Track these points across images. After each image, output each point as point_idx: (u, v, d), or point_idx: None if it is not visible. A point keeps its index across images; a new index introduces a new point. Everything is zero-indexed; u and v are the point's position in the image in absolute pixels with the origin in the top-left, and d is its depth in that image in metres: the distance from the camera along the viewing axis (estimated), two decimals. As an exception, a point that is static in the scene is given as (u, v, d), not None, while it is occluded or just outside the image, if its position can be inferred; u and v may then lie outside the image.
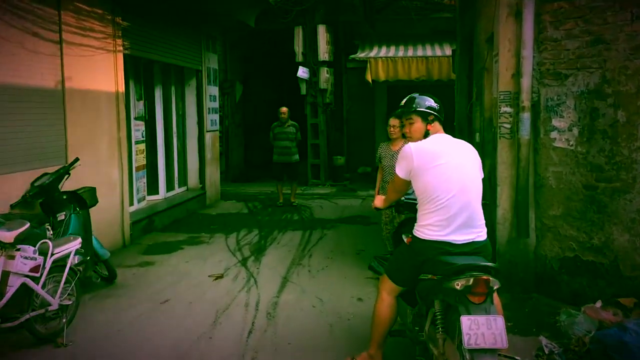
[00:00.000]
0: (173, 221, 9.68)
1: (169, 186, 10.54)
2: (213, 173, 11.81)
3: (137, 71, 9.12)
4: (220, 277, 6.49)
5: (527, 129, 5.32)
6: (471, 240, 3.55)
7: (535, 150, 5.41)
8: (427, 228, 3.58)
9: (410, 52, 13.90)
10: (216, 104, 12.06)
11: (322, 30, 13.84)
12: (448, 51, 13.64)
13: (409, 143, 3.75)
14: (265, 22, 14.20)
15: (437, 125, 3.83)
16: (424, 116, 3.81)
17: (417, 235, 3.64)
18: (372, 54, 14.00)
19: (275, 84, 19.40)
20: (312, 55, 14.12)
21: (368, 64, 13.64)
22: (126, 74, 8.49)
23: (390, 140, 6.50)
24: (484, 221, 3.65)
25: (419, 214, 3.68)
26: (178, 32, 9.97)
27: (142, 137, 9.33)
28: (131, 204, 8.69)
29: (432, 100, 3.86)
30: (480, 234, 3.60)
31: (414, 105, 3.85)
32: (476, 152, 3.82)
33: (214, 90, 11.86)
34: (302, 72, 14.10)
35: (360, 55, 14.03)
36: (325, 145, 14.67)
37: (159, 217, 9.26)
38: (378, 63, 13.63)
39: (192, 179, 11.28)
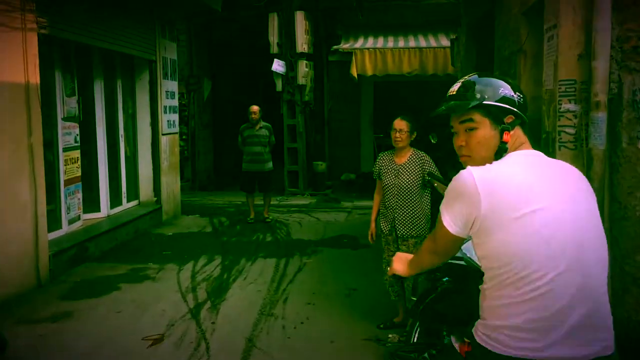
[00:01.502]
0: (116, 246, 7.82)
1: (115, 201, 8.66)
2: (171, 183, 9.95)
3: (67, 59, 7.24)
4: (159, 340, 4.66)
5: (602, 135, 3.60)
6: (593, 358, 1.81)
7: (613, 166, 3.70)
8: (508, 333, 1.82)
9: (401, 43, 12.17)
10: (175, 102, 10.20)
11: (300, 18, 12.05)
12: (444, 42, 11.94)
13: (469, 167, 1.96)
14: (236, 7, 12.41)
15: (519, 132, 2.05)
16: (497, 116, 2.02)
17: (486, 346, 1.88)
18: (358, 45, 12.24)
19: (249, 79, 17.56)
20: (289, 47, 12.33)
21: (353, 57, 11.88)
22: (48, 61, 6.62)
23: (394, 150, 4.76)
24: (612, 316, 1.91)
25: (487, 300, 1.93)
26: (123, 13, 8.10)
27: (76, 142, 7.45)
28: (56, 227, 6.82)
29: (509, 87, 2.05)
30: (606, 342, 1.86)
31: (475, 96, 2.01)
32: (588, 182, 2.07)
33: (172, 85, 10.00)
34: (278, 66, 12.30)
35: (344, 46, 12.26)
36: (304, 149, 12.89)
37: (97, 242, 7.39)
38: (364, 55, 11.87)
39: (145, 191, 9.41)
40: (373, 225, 4.90)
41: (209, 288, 6.06)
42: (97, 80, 8.17)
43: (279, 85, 12.53)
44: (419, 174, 4.58)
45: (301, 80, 12.29)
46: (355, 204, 11.59)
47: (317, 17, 13.11)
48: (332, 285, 6.13)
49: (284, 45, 12.35)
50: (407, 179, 4.59)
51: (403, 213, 4.62)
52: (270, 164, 9.53)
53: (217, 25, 14.32)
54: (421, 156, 4.64)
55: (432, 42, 12.08)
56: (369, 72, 11.94)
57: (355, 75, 11.81)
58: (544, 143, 4.17)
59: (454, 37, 9.96)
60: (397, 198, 4.62)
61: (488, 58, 7.35)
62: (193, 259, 7.24)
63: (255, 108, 9.40)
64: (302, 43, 12.16)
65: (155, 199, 9.48)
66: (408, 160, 4.64)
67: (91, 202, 8.11)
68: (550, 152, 3.93)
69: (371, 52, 11.87)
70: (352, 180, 13.34)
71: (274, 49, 12.34)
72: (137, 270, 6.77)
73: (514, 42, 5.08)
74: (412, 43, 12.14)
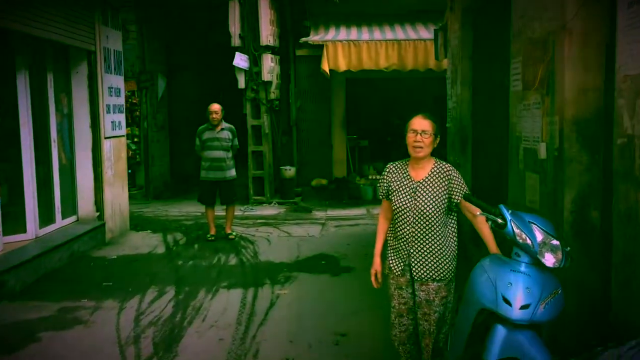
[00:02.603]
0: (45, 276, 6.40)
1: (46, 218, 7.22)
2: (117, 195, 8.53)
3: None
4: None
5: None
6: None
7: None
8: None
9: (377, 35, 11.00)
10: (121, 100, 8.77)
11: (264, 6, 10.75)
12: (425, 34, 10.84)
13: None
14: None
15: None
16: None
17: None
18: (329, 36, 11.02)
19: (210, 76, 16.16)
20: (253, 39, 11.01)
21: (324, 50, 10.65)
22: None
23: (407, 160, 3.52)
24: None
25: None
26: (52, -9, 6.69)
27: (-10, 148, 6.02)
28: (-41, 259, 5.38)
29: None
30: None
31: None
32: None
33: (117, 80, 8.57)
34: (240, 60, 10.98)
35: (314, 38, 11.03)
36: (271, 152, 11.60)
37: (18, 274, 5.96)
38: (337, 48, 10.66)
39: (85, 205, 7.97)
40: (377, 261, 3.56)
41: (156, 337, 4.72)
42: (21, 72, 6.72)
43: (241, 82, 11.21)
44: (444, 194, 3.37)
45: (266, 77, 10.99)
46: (329, 214, 10.37)
47: (284, 5, 11.85)
48: (314, 330, 4.86)
49: (246, 37, 11.03)
50: (429, 201, 3.36)
51: (422, 247, 3.38)
52: (233, 172, 8.22)
53: (173, 15, 12.91)
54: (446, 169, 3.42)
55: (412, 34, 10.96)
56: (342, 67, 10.75)
57: (327, 71, 10.60)
58: (619, 151, 3.00)
59: (439, 26, 8.83)
60: (414, 226, 3.37)
61: (491, 46, 6.23)
62: (139, 291, 5.88)
63: (215, 107, 8.07)
64: (267, 35, 10.87)
65: (98, 214, 8.05)
66: (430, 175, 3.42)
67: (14, 221, 6.66)
68: (630, 164, 2.77)
69: (344, 45, 10.67)
70: (324, 186, 12.12)
71: (235, 42, 11.01)
72: (67, 310, 5.38)
73: (552, 19, 3.92)
74: (389, 35, 11.00)
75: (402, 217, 3.38)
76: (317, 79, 11.98)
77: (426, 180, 3.37)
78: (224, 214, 8.43)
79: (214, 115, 8.00)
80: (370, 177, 12.15)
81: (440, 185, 3.35)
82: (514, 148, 4.86)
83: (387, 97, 15.35)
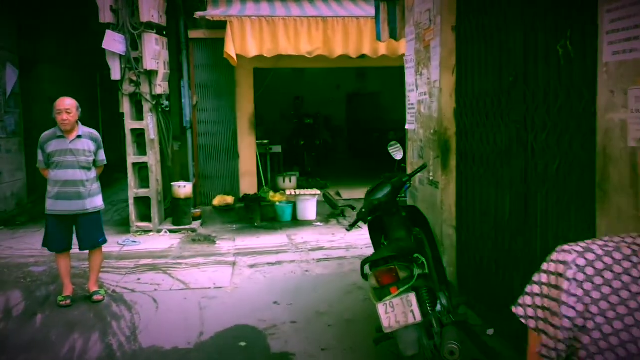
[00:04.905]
0: None
1: None
2: None
3: None
4: None
5: None
6: None
7: None
8: None
9: (295, 11, 8.56)
10: None
11: (145, -32, 8.00)
12: (356, 10, 8.55)
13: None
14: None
15: None
16: None
17: None
18: (234, 11, 8.45)
19: (81, 66, 13.02)
20: (131, 13, 8.22)
21: (228, 28, 8.08)
22: None
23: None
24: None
25: None
26: None
27: None
28: None
29: None
30: None
31: None
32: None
33: None
34: (113, 41, 8.15)
35: (214, 12, 8.40)
36: (159, 164, 8.82)
37: None
38: (245, 26, 8.13)
39: None
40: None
41: None
42: None
43: (115, 72, 8.37)
44: None
45: (150, 64, 8.23)
46: (239, 246, 7.82)
47: (171, -29, 9.11)
48: None
49: (121, 11, 8.22)
50: None
51: None
52: (97, 200, 5.44)
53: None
54: None
55: (339, 11, 8.62)
56: (252, 52, 8.25)
57: (234, 56, 8.02)
58: None
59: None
60: None
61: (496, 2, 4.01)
62: None
63: (66, 103, 5.26)
64: (149, 8, 8.10)
65: None
66: None
67: None
68: None
69: (254, 22, 8.16)
70: (230, 206, 9.49)
71: (106, 17, 8.15)
72: None
73: None
74: (310, 10, 8.59)
75: None
76: (219, 69, 9.38)
77: None
78: (87, 264, 5.66)
79: (65, 117, 5.20)
80: (286, 192, 9.72)
81: None
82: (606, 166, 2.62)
83: (306, 90, 13.10)
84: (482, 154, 4.34)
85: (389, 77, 14.34)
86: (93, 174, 5.38)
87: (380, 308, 3.28)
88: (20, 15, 10.36)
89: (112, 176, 12.35)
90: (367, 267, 3.48)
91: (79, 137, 5.28)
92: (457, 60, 4.74)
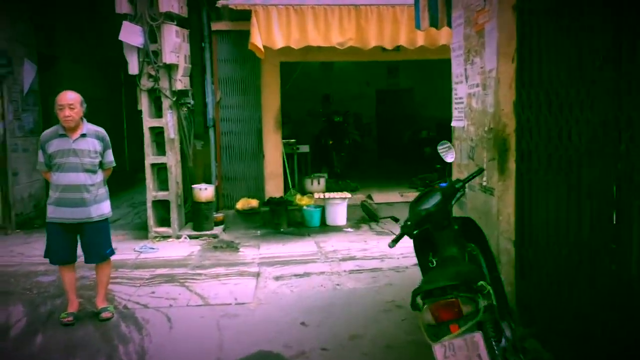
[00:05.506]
0: None
1: None
2: None
3: None
4: None
5: None
6: None
7: None
8: None
9: (325, -1, 7.90)
10: None
11: (164, -46, 7.43)
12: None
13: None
14: None
15: None
16: None
17: None
18: (258, 0, 7.82)
19: (104, 63, 12.58)
20: (149, 4, 7.66)
21: (253, 18, 7.46)
22: None
23: None
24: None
25: None
26: None
27: None
28: None
29: None
30: None
31: None
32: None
33: None
34: (130, 34, 7.61)
35: (237, 1, 7.78)
36: (179, 166, 8.26)
37: None
38: (271, 16, 7.52)
39: None
40: None
41: None
42: None
43: (133, 66, 7.84)
44: None
45: (170, 58, 7.67)
46: (264, 254, 7.22)
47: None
48: None
49: (138, 0, 7.67)
50: None
51: None
52: (104, 207, 4.85)
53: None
54: None
55: (373, -2, 7.94)
56: (278, 44, 7.65)
57: (261, 47, 7.40)
58: None
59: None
60: None
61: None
62: None
63: (68, 97, 4.69)
64: (169, -2, 7.54)
65: None
66: None
67: None
68: None
69: (281, 11, 7.55)
70: (254, 210, 8.87)
71: (122, 7, 7.62)
72: None
73: None
74: (342, -1, 7.93)
75: None
76: (243, 63, 8.78)
77: None
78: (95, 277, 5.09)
79: (67, 112, 4.63)
80: (314, 195, 9.08)
81: None
82: None
83: (338, 86, 12.46)
84: (552, 155, 3.62)
85: (422, 72, 13.61)
86: (99, 177, 4.80)
87: (438, 351, 2.64)
88: (37, 8, 9.92)
89: (135, 176, 11.89)
90: (419, 299, 2.80)
91: (83, 135, 4.71)
92: (518, 45, 4.02)
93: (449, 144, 3.88)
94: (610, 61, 2.99)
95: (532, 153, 3.88)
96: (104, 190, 4.86)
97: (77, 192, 4.65)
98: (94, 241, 4.80)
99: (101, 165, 4.83)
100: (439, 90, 10.91)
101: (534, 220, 3.91)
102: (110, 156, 4.90)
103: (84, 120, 4.79)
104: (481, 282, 2.75)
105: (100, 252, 4.87)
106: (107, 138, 4.89)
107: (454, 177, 5.03)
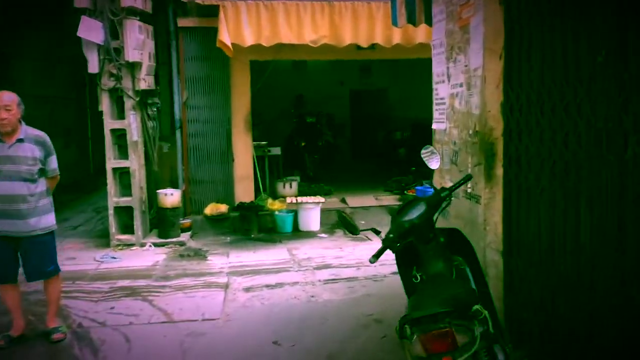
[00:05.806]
0: None
1: None
2: None
3: None
4: None
5: None
6: None
7: None
8: None
9: (298, -5, 7.54)
10: None
11: (125, -56, 6.98)
12: (367, -6, 7.55)
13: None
14: None
15: None
16: None
17: None
18: (228, -6, 7.43)
19: (65, 60, 11.99)
20: (109, -2, 7.21)
21: (221, 14, 7.07)
22: None
23: None
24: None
25: None
26: None
27: None
28: None
29: None
30: None
31: None
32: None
33: None
34: (89, 29, 7.14)
35: (205, -4, 7.38)
36: (143, 169, 7.82)
37: None
38: (240, 12, 7.13)
39: None
40: None
41: None
42: None
43: (93, 64, 7.36)
44: None
45: (132, 55, 7.22)
46: (233, 263, 6.83)
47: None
48: None
49: (99, -6, 7.21)
50: None
51: None
52: (46, 219, 4.36)
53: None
54: None
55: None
56: (248, 41, 7.27)
57: (229, 45, 7.01)
58: None
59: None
60: None
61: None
62: None
63: (5, 99, 4.21)
64: (131, -9, 7.10)
65: None
66: None
67: None
68: None
69: (250, 7, 7.15)
70: (224, 215, 8.46)
71: (80, 1, 7.15)
72: None
73: None
74: (315, -5, 7.58)
75: None
76: (211, 61, 8.37)
77: None
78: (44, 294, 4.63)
79: (3, 115, 4.16)
80: (286, 199, 8.72)
81: None
82: None
83: (309, 86, 12.12)
84: (544, 161, 3.32)
85: (396, 72, 13.36)
86: (40, 187, 4.33)
87: None
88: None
89: (100, 180, 11.35)
90: (407, 328, 2.45)
91: (20, 140, 4.23)
92: (506, 41, 3.72)
93: (432, 149, 3.55)
94: (612, 56, 2.70)
95: (522, 158, 3.58)
96: (47, 201, 4.39)
97: (12, 203, 4.18)
98: (34, 257, 4.34)
99: (44, 173, 4.37)
100: (414, 90, 10.67)
101: (524, 229, 3.62)
102: (53, 163, 4.44)
103: (22, 123, 4.33)
104: (476, 307, 2.42)
105: (40, 270, 4.40)
106: (49, 143, 4.42)
107: (434, 183, 4.73)
